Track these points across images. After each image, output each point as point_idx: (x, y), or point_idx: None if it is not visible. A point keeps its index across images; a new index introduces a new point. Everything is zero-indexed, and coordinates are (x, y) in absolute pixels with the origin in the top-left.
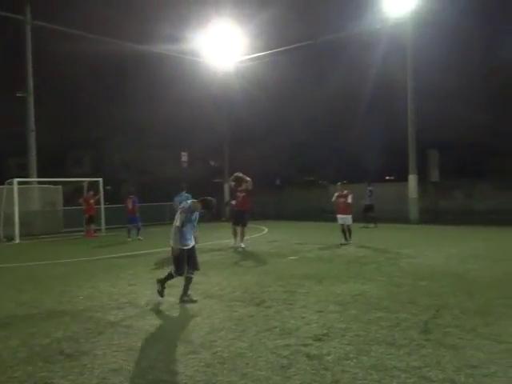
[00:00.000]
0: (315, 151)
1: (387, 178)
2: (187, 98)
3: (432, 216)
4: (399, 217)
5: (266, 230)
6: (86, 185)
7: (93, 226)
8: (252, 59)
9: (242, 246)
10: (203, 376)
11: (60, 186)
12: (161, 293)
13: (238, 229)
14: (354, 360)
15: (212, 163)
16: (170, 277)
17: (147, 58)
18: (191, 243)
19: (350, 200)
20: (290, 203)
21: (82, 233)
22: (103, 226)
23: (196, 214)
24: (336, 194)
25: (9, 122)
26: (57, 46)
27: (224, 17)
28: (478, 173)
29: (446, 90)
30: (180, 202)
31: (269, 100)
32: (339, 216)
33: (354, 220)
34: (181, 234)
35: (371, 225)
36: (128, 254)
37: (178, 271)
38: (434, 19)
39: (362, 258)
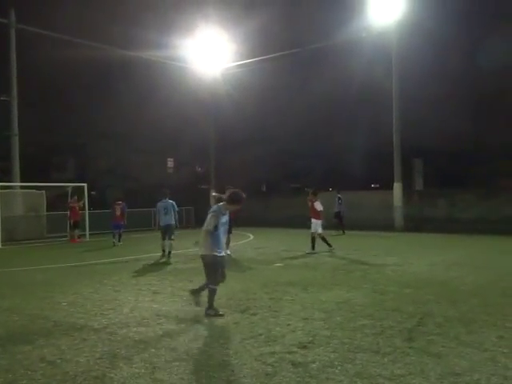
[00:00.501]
0: (301, 158)
1: (372, 185)
2: (173, 104)
3: (416, 224)
4: (384, 224)
5: (252, 236)
6: (70, 190)
7: (77, 232)
8: (238, 66)
9: (228, 252)
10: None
11: (43, 191)
12: (198, 303)
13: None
14: (339, 368)
15: (198, 169)
16: (202, 289)
17: (133, 64)
18: (223, 250)
19: (318, 207)
20: (276, 210)
21: (66, 238)
22: (87, 232)
23: (226, 216)
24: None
25: None
26: (42, 50)
27: (211, 23)
28: (461, 182)
29: (430, 99)
30: (165, 208)
31: (255, 107)
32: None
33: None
34: (214, 239)
35: (339, 231)
36: (112, 259)
37: (215, 281)
38: (418, 28)
39: (348, 266)
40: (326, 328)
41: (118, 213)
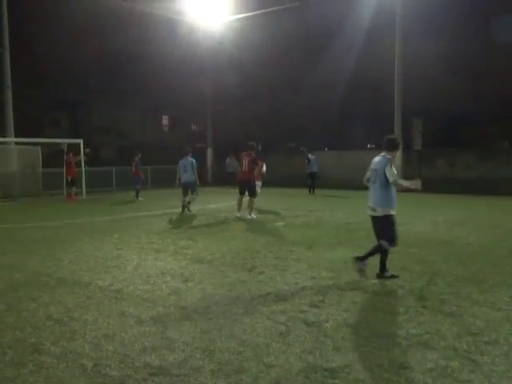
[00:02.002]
0: (298, 117)
1: (368, 146)
2: (169, 59)
3: None
4: None
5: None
6: (65, 146)
7: (74, 189)
8: (237, 20)
9: (253, 215)
10: (200, 343)
11: (39, 147)
12: (363, 272)
13: (244, 198)
14: (353, 327)
15: (194, 127)
16: (376, 250)
17: (128, 16)
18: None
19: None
20: (272, 169)
21: (62, 195)
22: (84, 189)
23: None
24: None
25: None
26: (33, 2)
27: None
28: (459, 143)
29: (429, 58)
30: (184, 166)
31: (253, 64)
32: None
33: None
34: (392, 195)
35: (307, 192)
36: (111, 217)
37: (394, 241)
38: None
39: (350, 225)
40: (336, 287)
41: (133, 169)
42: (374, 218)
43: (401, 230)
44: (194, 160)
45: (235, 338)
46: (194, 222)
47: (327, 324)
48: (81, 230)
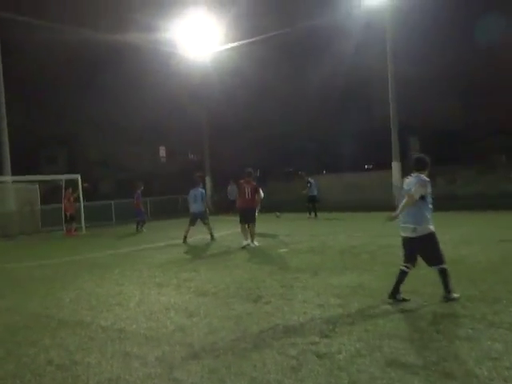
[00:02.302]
0: (294, 142)
1: (366, 166)
2: (164, 90)
3: None
4: (383, 205)
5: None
6: (62, 182)
7: (74, 224)
8: (228, 49)
9: (256, 244)
10: (209, 383)
11: (37, 185)
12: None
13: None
14: (368, 357)
15: (191, 157)
16: (446, 276)
17: (122, 50)
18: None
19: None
20: (271, 195)
21: (61, 232)
22: (83, 224)
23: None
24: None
25: None
26: (27, 38)
27: (200, 6)
28: (456, 159)
29: (422, 77)
30: (194, 196)
31: (246, 91)
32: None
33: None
34: (428, 212)
35: (308, 215)
36: (111, 252)
37: (443, 259)
38: (412, 5)
39: (355, 248)
40: (346, 315)
41: (135, 201)
42: (412, 240)
43: None
44: (203, 190)
45: (245, 375)
46: (196, 253)
47: (340, 355)
48: (81, 266)
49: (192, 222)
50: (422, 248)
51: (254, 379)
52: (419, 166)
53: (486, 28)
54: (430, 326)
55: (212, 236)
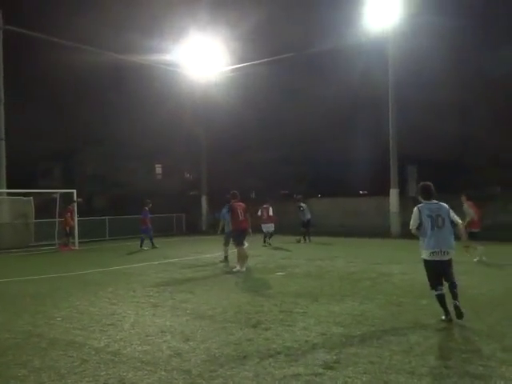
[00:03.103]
0: (291, 165)
1: (361, 192)
2: (164, 108)
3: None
4: (379, 231)
5: (246, 244)
6: (58, 196)
7: (70, 239)
8: (231, 70)
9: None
10: None
11: (31, 198)
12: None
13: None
14: None
15: (187, 175)
16: (457, 290)
17: (123, 68)
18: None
19: (270, 212)
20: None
21: (54, 246)
22: (76, 240)
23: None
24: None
25: None
26: (30, 53)
27: (203, 27)
28: (453, 189)
29: (421, 106)
30: (226, 213)
31: (246, 113)
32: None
33: None
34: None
35: (302, 240)
36: (104, 269)
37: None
38: (414, 34)
39: (354, 275)
40: (349, 344)
41: (142, 218)
42: (444, 262)
43: (407, 279)
44: None
45: None
46: (191, 273)
47: None
48: (73, 283)
49: (227, 241)
50: (450, 268)
51: None
52: (433, 193)
53: (492, 56)
54: (437, 360)
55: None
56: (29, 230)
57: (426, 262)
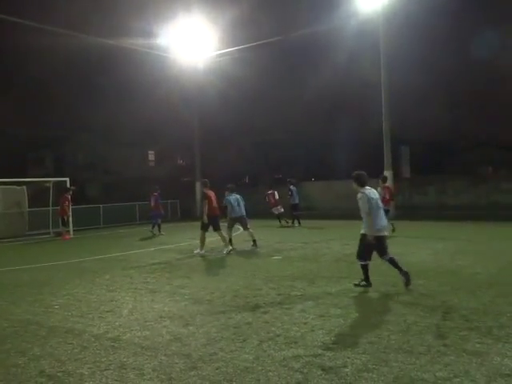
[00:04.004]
0: (284, 149)
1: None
2: (155, 94)
3: (406, 212)
4: None
5: (241, 228)
6: (51, 185)
7: (66, 228)
8: (221, 55)
9: (226, 251)
10: None
11: (24, 187)
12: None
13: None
14: (375, 372)
15: (180, 162)
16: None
17: (113, 54)
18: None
19: (276, 196)
20: (260, 201)
21: (48, 235)
22: (71, 228)
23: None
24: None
25: None
26: (17, 40)
27: (193, 11)
28: (445, 170)
29: (413, 87)
30: (237, 200)
31: (238, 97)
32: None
33: None
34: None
35: (285, 223)
36: (100, 256)
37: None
38: (405, 16)
39: (349, 256)
40: (347, 326)
41: (153, 203)
42: (383, 237)
43: (402, 260)
44: (238, 196)
45: None
46: (188, 259)
47: (346, 369)
48: (70, 271)
49: (231, 226)
50: (385, 243)
51: None
52: (367, 180)
53: (481, 40)
54: (435, 339)
55: (255, 242)
56: (23, 220)
57: (368, 237)
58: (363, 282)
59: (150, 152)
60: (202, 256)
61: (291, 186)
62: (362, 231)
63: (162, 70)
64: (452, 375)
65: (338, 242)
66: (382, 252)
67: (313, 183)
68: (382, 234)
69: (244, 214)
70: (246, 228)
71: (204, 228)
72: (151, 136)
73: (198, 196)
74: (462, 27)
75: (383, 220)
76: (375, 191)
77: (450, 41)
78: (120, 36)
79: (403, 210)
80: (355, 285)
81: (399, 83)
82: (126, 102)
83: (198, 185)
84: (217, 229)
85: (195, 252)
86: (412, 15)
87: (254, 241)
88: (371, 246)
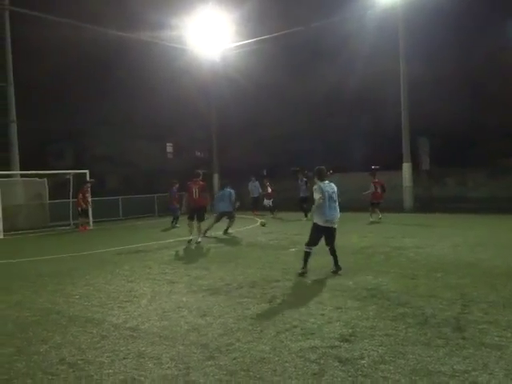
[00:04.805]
0: (301, 142)
1: (373, 167)
2: (173, 87)
3: (425, 204)
4: (392, 206)
5: (260, 221)
6: (71, 177)
7: (84, 220)
8: (239, 47)
9: (199, 240)
10: None
11: (45, 179)
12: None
13: (194, 224)
14: (392, 364)
15: (198, 154)
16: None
17: (132, 46)
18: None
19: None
20: (280, 193)
21: (69, 227)
22: (91, 220)
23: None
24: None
25: None
26: (37, 34)
27: (210, 4)
28: (469, 160)
29: (433, 78)
30: (222, 196)
31: (255, 90)
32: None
33: None
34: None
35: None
36: (120, 248)
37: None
38: (424, 5)
39: (367, 249)
40: (365, 318)
41: (169, 198)
42: (333, 229)
43: (421, 253)
44: (231, 191)
45: (265, 381)
46: (205, 250)
47: (363, 361)
48: (89, 262)
49: (218, 218)
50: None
51: None
52: (326, 175)
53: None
54: (454, 332)
55: (226, 230)
56: (44, 211)
57: (318, 226)
58: (303, 269)
59: (168, 144)
60: (199, 242)
61: (305, 179)
62: (314, 220)
63: (180, 63)
64: (470, 368)
65: (355, 234)
66: (329, 242)
67: (331, 175)
68: (330, 225)
69: (224, 210)
70: (215, 222)
71: (189, 218)
72: (169, 128)
73: (216, 188)
74: (486, 14)
75: (334, 212)
76: (333, 185)
77: (473, 28)
78: (138, 29)
79: (421, 203)
80: (299, 274)
81: (420, 73)
82: (144, 95)
83: (215, 177)
84: (200, 220)
85: (199, 240)
86: (432, 2)
87: (205, 230)
88: (320, 235)
